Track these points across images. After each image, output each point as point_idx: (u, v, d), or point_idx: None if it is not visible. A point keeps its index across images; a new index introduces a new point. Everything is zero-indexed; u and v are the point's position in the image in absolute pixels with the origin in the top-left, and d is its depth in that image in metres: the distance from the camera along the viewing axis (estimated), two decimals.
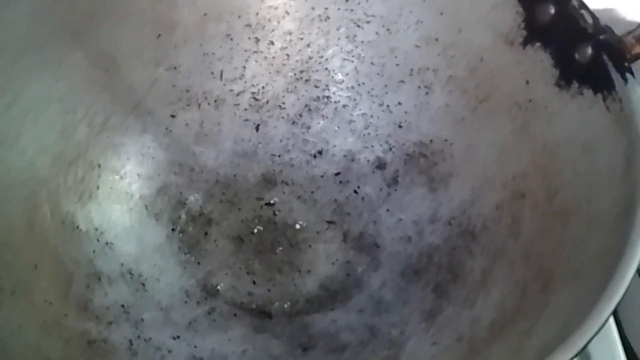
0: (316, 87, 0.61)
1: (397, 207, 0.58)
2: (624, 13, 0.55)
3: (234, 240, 0.57)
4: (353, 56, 0.60)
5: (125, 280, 0.52)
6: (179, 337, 0.50)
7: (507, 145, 0.53)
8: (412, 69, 0.58)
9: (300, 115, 0.61)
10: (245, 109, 0.60)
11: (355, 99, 0.60)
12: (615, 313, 0.54)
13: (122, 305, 0.51)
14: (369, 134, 0.60)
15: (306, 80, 0.61)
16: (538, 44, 0.51)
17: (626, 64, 0.46)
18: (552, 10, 0.50)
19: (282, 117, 0.61)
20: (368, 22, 0.59)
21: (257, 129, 0.60)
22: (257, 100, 0.61)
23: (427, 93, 0.58)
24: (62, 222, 0.52)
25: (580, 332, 0.36)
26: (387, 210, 0.58)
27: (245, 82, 0.60)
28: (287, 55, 0.61)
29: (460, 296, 0.50)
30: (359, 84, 0.60)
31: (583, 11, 0.48)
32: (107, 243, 0.53)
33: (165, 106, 0.58)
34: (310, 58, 0.61)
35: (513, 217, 0.51)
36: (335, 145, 0.60)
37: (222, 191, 0.59)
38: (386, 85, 0.59)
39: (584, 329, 0.36)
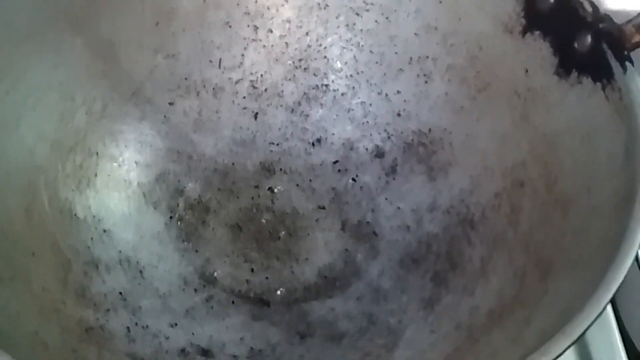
0: (315, 75, 0.61)
1: (396, 196, 0.57)
2: (623, 1, 0.55)
3: (232, 228, 0.57)
4: (352, 44, 0.60)
5: (123, 268, 0.52)
6: (176, 324, 0.50)
7: (507, 134, 0.53)
8: (411, 58, 0.58)
9: (299, 104, 0.61)
10: (244, 97, 0.60)
11: (354, 88, 0.60)
12: (613, 302, 0.54)
13: (120, 293, 0.51)
14: (367, 122, 0.60)
15: (305, 69, 0.61)
16: (537, 32, 0.51)
17: (625, 53, 0.46)
18: None
19: (281, 106, 0.61)
20: (367, 10, 0.59)
21: (255, 117, 0.60)
22: (255, 88, 0.60)
23: (426, 82, 0.58)
24: (60, 210, 0.52)
25: (578, 320, 0.36)
26: (386, 198, 0.58)
27: (244, 70, 0.60)
28: (286, 43, 0.61)
29: (459, 284, 0.50)
30: (358, 73, 0.60)
31: (582, 0, 0.48)
32: (105, 231, 0.53)
33: (164, 94, 0.58)
34: (309, 46, 0.61)
35: (512, 206, 0.51)
36: (334, 134, 0.60)
37: (220, 179, 0.59)
38: (385, 74, 0.59)
39: (582, 317, 0.36)
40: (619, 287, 0.37)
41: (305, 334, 0.51)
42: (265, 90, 0.61)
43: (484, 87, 0.55)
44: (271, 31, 0.60)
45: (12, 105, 0.50)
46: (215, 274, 0.54)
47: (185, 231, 0.56)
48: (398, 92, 0.59)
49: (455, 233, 0.53)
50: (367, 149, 0.60)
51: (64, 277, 0.49)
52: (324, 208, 0.58)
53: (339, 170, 0.59)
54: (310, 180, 0.59)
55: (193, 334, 0.50)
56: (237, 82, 0.60)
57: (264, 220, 0.57)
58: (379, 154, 0.59)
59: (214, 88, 0.59)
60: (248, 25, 0.60)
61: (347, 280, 0.54)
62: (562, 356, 0.35)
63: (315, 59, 0.61)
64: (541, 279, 0.44)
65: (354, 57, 0.60)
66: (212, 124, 0.59)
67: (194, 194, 0.58)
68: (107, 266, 0.52)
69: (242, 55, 0.60)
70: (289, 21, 0.60)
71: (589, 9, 0.48)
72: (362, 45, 0.60)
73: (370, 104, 0.60)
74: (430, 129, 0.57)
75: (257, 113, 0.60)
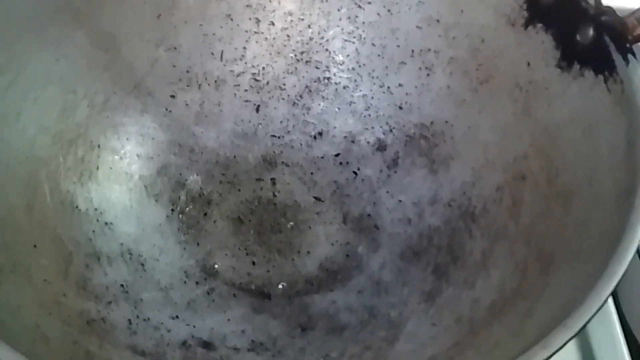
0: (317, 68, 0.61)
1: (397, 189, 0.57)
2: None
3: (234, 221, 0.57)
4: (354, 37, 0.60)
5: (124, 260, 0.52)
6: (178, 317, 0.50)
7: (508, 127, 0.53)
8: (413, 50, 0.58)
9: (301, 97, 0.61)
10: (246, 90, 0.60)
11: (355, 81, 0.60)
12: (614, 295, 0.54)
13: (122, 285, 0.51)
14: (369, 115, 0.60)
15: (307, 62, 0.61)
16: (540, 25, 0.51)
17: (628, 45, 0.46)
18: None
19: (283, 99, 0.61)
20: (369, 2, 0.58)
21: (257, 110, 0.60)
22: (257, 81, 0.60)
23: (428, 74, 0.57)
24: (62, 202, 0.52)
25: (579, 313, 0.36)
26: (387, 191, 0.58)
27: (246, 63, 0.60)
28: (288, 36, 0.60)
29: (460, 277, 0.50)
30: (359, 65, 0.60)
31: None
32: (106, 223, 0.53)
33: (166, 86, 0.58)
34: (311, 39, 0.60)
35: (514, 198, 0.51)
36: (335, 127, 0.60)
37: (222, 172, 0.59)
38: (387, 67, 0.59)
39: (584, 310, 0.36)
40: (620, 280, 0.37)
41: (307, 327, 0.51)
42: (267, 83, 0.60)
43: (486, 79, 0.54)
44: (273, 24, 0.60)
45: (14, 98, 0.50)
46: (217, 266, 0.54)
47: (187, 224, 0.56)
48: (400, 85, 0.59)
49: (457, 226, 0.53)
50: (368, 142, 0.60)
51: (65, 269, 0.49)
52: (319, 200, 0.58)
53: (341, 163, 0.59)
54: (311, 173, 0.59)
55: (194, 326, 0.50)
56: (238, 75, 0.60)
57: (265, 213, 0.57)
58: (381, 147, 0.59)
59: (215, 81, 0.59)
60: (250, 18, 0.60)
61: (348, 273, 0.54)
62: (563, 349, 0.35)
63: (317, 51, 0.60)
64: (542, 272, 0.44)
65: (356, 49, 0.60)
66: (214, 116, 0.59)
67: (196, 187, 0.58)
68: (109, 258, 0.52)
69: (244, 47, 0.60)
70: (290, 14, 0.60)
71: (591, 1, 0.48)
72: (364, 38, 0.60)
73: (372, 97, 0.60)
74: (432, 122, 0.57)
75: (258, 106, 0.60)
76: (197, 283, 0.53)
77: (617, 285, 0.37)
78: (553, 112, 0.50)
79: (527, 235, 0.48)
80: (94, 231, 0.52)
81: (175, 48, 0.58)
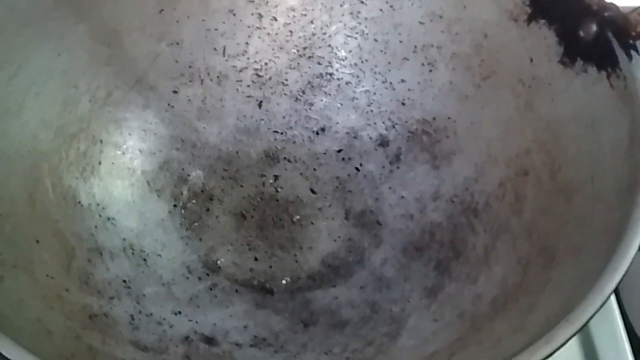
0: (319, 64, 0.61)
1: (400, 185, 0.57)
2: None
3: (236, 217, 0.57)
4: (356, 33, 0.60)
5: (126, 255, 0.52)
6: (180, 312, 0.50)
7: (511, 123, 0.53)
8: (415, 46, 0.58)
9: (303, 92, 0.61)
10: (248, 86, 0.60)
11: (358, 76, 0.60)
12: (616, 292, 0.54)
13: (124, 280, 0.51)
14: (371, 111, 0.60)
15: (309, 57, 0.61)
16: (543, 20, 0.51)
17: (631, 41, 0.46)
18: None
19: (285, 94, 0.61)
20: None
21: (259, 105, 0.60)
22: (259, 76, 0.60)
23: (430, 70, 0.57)
24: (64, 197, 0.52)
25: (582, 308, 0.36)
26: (390, 187, 0.58)
27: (248, 58, 0.60)
28: (290, 31, 0.60)
29: (462, 273, 0.50)
30: (362, 61, 0.60)
31: None
32: (108, 218, 0.53)
33: (168, 81, 0.58)
34: (313, 34, 0.60)
35: (516, 194, 0.51)
36: (337, 122, 0.60)
37: (224, 167, 0.59)
38: (389, 62, 0.59)
39: (586, 305, 0.36)
40: (623, 276, 0.37)
41: (309, 322, 0.51)
42: (270, 78, 0.60)
43: (489, 75, 0.54)
44: (275, 19, 0.60)
45: (16, 92, 0.50)
46: (219, 262, 0.54)
47: (189, 219, 0.56)
48: (402, 80, 0.59)
49: (459, 221, 0.53)
50: (371, 138, 0.60)
51: (68, 264, 0.49)
52: (322, 195, 0.58)
53: (343, 159, 0.59)
54: (314, 168, 0.59)
55: (197, 322, 0.50)
56: (241, 70, 0.60)
57: (267, 209, 0.57)
58: (383, 142, 0.59)
59: (218, 76, 0.59)
60: (252, 13, 0.60)
61: (351, 269, 0.54)
62: (565, 345, 0.35)
63: (320, 47, 0.60)
64: (545, 267, 0.44)
65: (359, 45, 0.60)
66: (216, 112, 0.59)
67: (198, 182, 0.58)
68: (111, 253, 0.52)
69: (246, 43, 0.60)
70: (293, 9, 0.60)
71: None
72: (367, 34, 0.60)
73: (375, 93, 0.60)
74: (434, 118, 0.57)
75: (261, 101, 0.60)
76: (199, 278, 0.53)
77: (619, 282, 0.37)
78: (556, 107, 0.50)
79: (529, 230, 0.48)
80: (96, 226, 0.52)
81: (177, 43, 0.58)
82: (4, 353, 0.35)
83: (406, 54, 0.58)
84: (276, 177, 0.59)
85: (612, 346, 0.54)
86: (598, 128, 0.46)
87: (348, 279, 0.53)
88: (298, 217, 0.57)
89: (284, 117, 0.60)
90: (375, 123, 0.60)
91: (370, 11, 0.59)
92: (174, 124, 0.58)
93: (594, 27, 0.47)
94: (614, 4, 0.47)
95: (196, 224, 0.56)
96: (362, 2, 0.59)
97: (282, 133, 0.60)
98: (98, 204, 0.53)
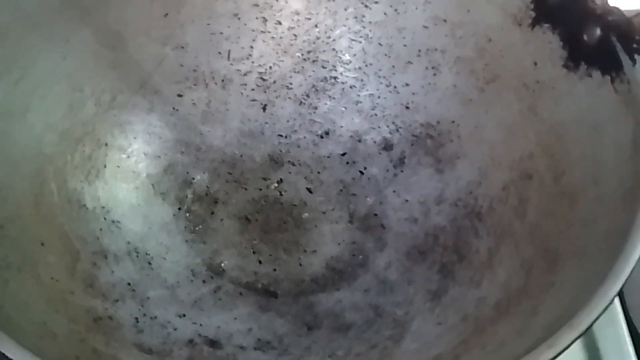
0: (323, 67, 0.61)
1: (404, 188, 0.57)
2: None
3: (240, 220, 0.57)
4: (361, 37, 0.60)
5: (131, 259, 0.52)
6: (184, 315, 0.50)
7: (515, 126, 0.53)
8: (419, 50, 0.58)
9: (307, 96, 0.61)
10: (253, 89, 0.60)
11: (362, 80, 0.60)
12: (620, 295, 0.54)
13: (128, 283, 0.51)
14: (375, 114, 0.60)
15: (313, 61, 0.61)
16: (547, 25, 0.51)
17: (635, 46, 0.46)
18: None
19: (289, 98, 0.61)
20: (376, 2, 0.59)
21: (264, 109, 0.60)
22: (264, 80, 0.60)
23: (434, 74, 0.58)
24: (69, 200, 0.52)
25: (585, 312, 0.36)
26: (394, 191, 0.58)
27: (253, 62, 0.60)
28: (295, 35, 0.61)
29: (465, 276, 0.50)
30: (366, 65, 0.60)
31: None
32: (113, 221, 0.54)
33: (172, 85, 0.58)
34: (317, 38, 0.61)
35: (520, 197, 0.51)
36: (342, 126, 0.60)
37: (228, 171, 0.59)
38: (394, 66, 0.59)
39: (590, 309, 0.36)
40: (627, 279, 0.37)
41: (312, 326, 0.51)
42: (274, 82, 0.61)
43: (493, 79, 0.54)
44: (280, 23, 0.60)
45: (21, 95, 0.50)
46: (223, 265, 0.54)
47: (194, 222, 0.56)
48: (406, 84, 0.59)
49: (463, 225, 0.53)
50: (375, 141, 0.60)
51: (73, 267, 0.49)
52: (317, 196, 0.58)
53: (347, 163, 0.59)
54: (318, 172, 0.59)
55: (201, 324, 0.50)
56: (245, 74, 0.60)
57: (271, 212, 0.57)
58: (387, 146, 0.59)
59: (222, 80, 0.60)
60: (257, 17, 0.60)
61: (354, 272, 0.54)
62: (569, 348, 0.35)
63: (324, 51, 0.61)
64: (548, 270, 0.44)
65: (363, 49, 0.60)
66: (221, 115, 0.59)
67: (202, 186, 0.58)
68: (116, 256, 0.52)
69: (251, 47, 0.60)
70: (297, 13, 0.60)
71: (599, 1, 0.48)
72: (371, 38, 0.60)
73: (379, 96, 0.60)
74: (438, 121, 0.57)
75: (265, 105, 0.60)
76: (203, 281, 0.53)
77: (623, 285, 0.37)
78: (559, 111, 0.50)
79: (533, 234, 0.48)
80: (101, 229, 0.53)
81: (182, 47, 0.58)
82: (9, 355, 0.35)
83: (410, 57, 0.58)
84: (280, 181, 0.59)
85: (616, 349, 0.54)
86: (602, 132, 0.46)
87: (352, 283, 0.53)
88: (302, 220, 0.57)
89: (288, 121, 0.60)
90: (379, 127, 0.60)
91: (374, 15, 0.59)
92: (179, 128, 0.58)
93: (598, 31, 0.47)
94: (617, 8, 0.47)
95: (200, 227, 0.56)
96: (367, 6, 0.59)
97: (286, 137, 0.60)
98: (103, 207, 0.54)
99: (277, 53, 0.61)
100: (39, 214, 0.49)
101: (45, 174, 0.51)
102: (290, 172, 0.59)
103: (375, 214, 0.57)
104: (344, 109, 0.60)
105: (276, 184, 0.59)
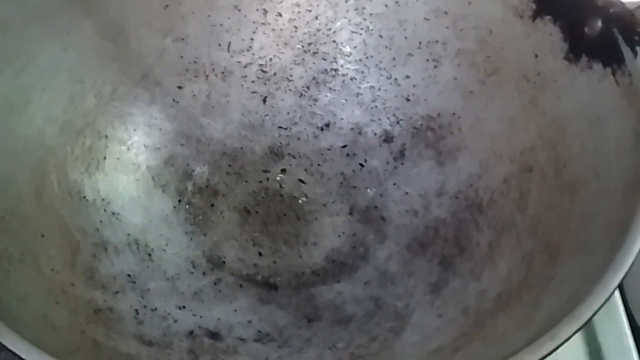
0: (324, 59, 0.61)
1: (404, 181, 0.57)
2: None
3: (240, 212, 0.57)
4: (361, 29, 0.60)
5: (131, 250, 0.52)
6: (184, 307, 0.50)
7: (516, 119, 0.53)
8: (420, 42, 0.58)
9: (308, 88, 0.61)
10: (253, 81, 0.60)
11: (363, 72, 0.60)
12: (620, 287, 0.54)
13: (129, 275, 0.51)
14: (376, 107, 0.60)
15: (314, 53, 0.61)
16: (548, 17, 0.51)
17: (636, 38, 0.46)
18: None
19: (290, 90, 0.61)
20: None
21: (264, 101, 0.60)
22: (264, 72, 0.60)
23: (435, 66, 0.57)
24: (69, 192, 0.52)
25: (586, 304, 0.36)
26: (394, 183, 0.58)
27: (253, 54, 0.60)
28: (295, 27, 0.60)
29: (466, 269, 0.50)
30: (367, 57, 0.60)
31: None
32: (113, 213, 0.54)
33: (173, 77, 0.58)
34: (318, 30, 0.60)
35: (521, 190, 0.51)
36: (342, 118, 0.60)
37: (228, 163, 0.59)
38: (394, 58, 0.59)
39: (590, 301, 0.36)
40: (627, 272, 0.37)
41: (313, 318, 0.51)
42: (274, 74, 0.60)
43: (494, 71, 0.54)
44: (280, 15, 0.60)
45: (23, 87, 0.50)
46: (224, 257, 0.54)
47: (194, 214, 0.56)
48: (407, 76, 0.59)
49: (463, 218, 0.53)
50: (375, 134, 0.60)
51: (73, 259, 0.49)
52: (318, 188, 0.58)
53: (348, 155, 0.59)
54: (318, 164, 0.59)
55: (201, 316, 0.50)
56: (246, 66, 0.60)
57: (272, 204, 0.57)
58: (388, 138, 0.59)
59: (222, 72, 0.59)
60: (257, 9, 0.60)
61: (355, 265, 0.54)
62: (569, 341, 0.35)
63: (325, 43, 0.60)
64: (549, 263, 0.44)
65: (363, 41, 0.60)
66: (221, 107, 0.59)
67: (203, 178, 0.58)
68: (116, 248, 0.52)
69: (251, 39, 0.60)
70: (298, 5, 0.60)
71: None
72: (372, 30, 0.60)
73: (379, 89, 0.60)
74: (439, 114, 0.57)
75: (265, 97, 0.60)
76: (203, 273, 0.53)
77: (623, 277, 0.37)
78: (561, 104, 0.50)
79: (533, 226, 0.48)
80: (101, 221, 0.53)
81: (182, 39, 0.58)
82: (9, 347, 0.35)
83: (411, 50, 0.58)
84: (281, 172, 0.59)
85: (616, 341, 0.54)
86: (603, 124, 0.46)
87: (352, 275, 0.53)
88: (302, 212, 0.57)
89: (288, 113, 0.60)
90: (379, 119, 0.60)
91: (375, 7, 0.59)
92: (179, 120, 0.58)
93: (600, 24, 0.47)
94: (619, 0, 0.47)
95: (200, 219, 0.56)
96: None
97: (286, 129, 0.60)
98: (103, 199, 0.54)
99: (278, 45, 0.60)
100: (40, 205, 0.49)
101: (46, 165, 0.51)
102: (290, 165, 0.59)
103: (376, 207, 0.57)
104: (344, 101, 0.60)
105: (276, 177, 0.59)
